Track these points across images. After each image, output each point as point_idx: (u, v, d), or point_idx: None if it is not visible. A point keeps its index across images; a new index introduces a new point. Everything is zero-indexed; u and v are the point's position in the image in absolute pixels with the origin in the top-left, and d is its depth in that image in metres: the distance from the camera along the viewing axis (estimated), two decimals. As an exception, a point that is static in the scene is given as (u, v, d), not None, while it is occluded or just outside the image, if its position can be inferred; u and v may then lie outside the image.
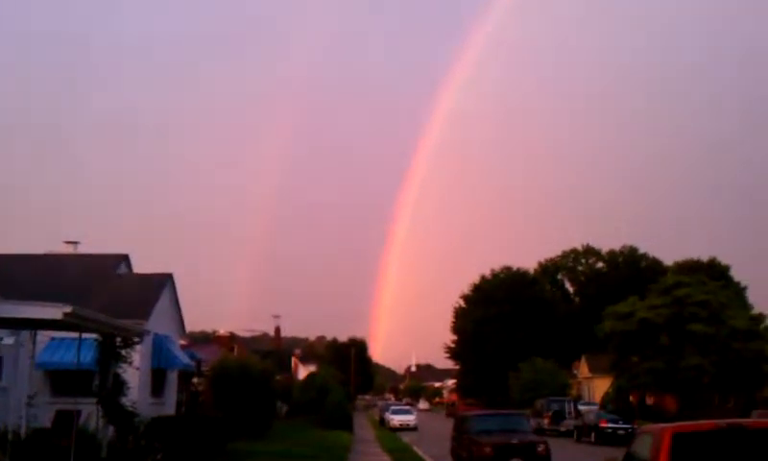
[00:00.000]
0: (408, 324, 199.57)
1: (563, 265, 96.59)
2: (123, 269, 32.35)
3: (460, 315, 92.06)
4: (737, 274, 74.52)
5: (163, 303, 29.88)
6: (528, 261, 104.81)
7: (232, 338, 65.60)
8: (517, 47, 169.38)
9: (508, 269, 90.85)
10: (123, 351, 19.04)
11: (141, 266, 33.65)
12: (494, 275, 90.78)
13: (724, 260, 76.21)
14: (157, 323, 27.85)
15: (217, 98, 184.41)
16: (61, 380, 24.50)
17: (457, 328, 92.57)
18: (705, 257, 76.36)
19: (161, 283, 30.22)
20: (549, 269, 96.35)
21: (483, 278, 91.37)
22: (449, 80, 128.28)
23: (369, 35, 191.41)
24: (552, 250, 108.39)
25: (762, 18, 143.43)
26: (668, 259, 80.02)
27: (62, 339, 23.76)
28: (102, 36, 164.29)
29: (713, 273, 66.26)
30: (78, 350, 17.62)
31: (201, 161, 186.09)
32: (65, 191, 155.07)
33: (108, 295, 26.61)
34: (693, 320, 49.08)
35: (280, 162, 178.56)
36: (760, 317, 53.37)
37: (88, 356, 18.50)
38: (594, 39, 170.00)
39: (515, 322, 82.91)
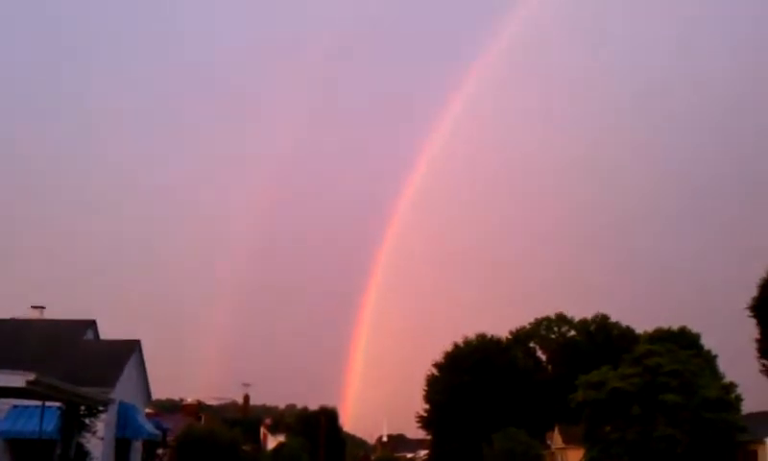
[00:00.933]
0: (379, 392, 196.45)
1: (535, 333, 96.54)
2: (90, 335, 31.82)
3: (432, 383, 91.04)
4: (708, 342, 75.04)
5: (130, 370, 29.37)
6: (501, 329, 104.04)
7: (200, 406, 64.31)
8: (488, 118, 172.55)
9: (482, 336, 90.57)
10: (87, 420, 18.61)
11: (108, 332, 33.13)
12: (467, 342, 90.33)
13: (694, 328, 76.76)
14: (123, 391, 27.30)
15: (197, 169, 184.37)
16: (22, 450, 23.76)
17: (430, 397, 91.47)
18: (675, 326, 76.80)
19: (128, 350, 29.78)
20: (521, 337, 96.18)
21: (456, 345, 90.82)
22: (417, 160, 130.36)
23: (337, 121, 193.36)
24: (524, 318, 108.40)
25: (718, 97, 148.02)
26: (639, 328, 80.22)
27: (25, 407, 23.13)
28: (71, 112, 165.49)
29: (684, 341, 66.57)
30: (41, 418, 17.17)
31: (170, 219, 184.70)
32: (33, 254, 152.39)
33: (74, 362, 26.08)
34: (665, 389, 49.01)
35: (254, 223, 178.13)
36: (731, 386, 53.49)
37: (51, 425, 18.02)
38: (560, 116, 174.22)
39: (488, 390, 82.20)
